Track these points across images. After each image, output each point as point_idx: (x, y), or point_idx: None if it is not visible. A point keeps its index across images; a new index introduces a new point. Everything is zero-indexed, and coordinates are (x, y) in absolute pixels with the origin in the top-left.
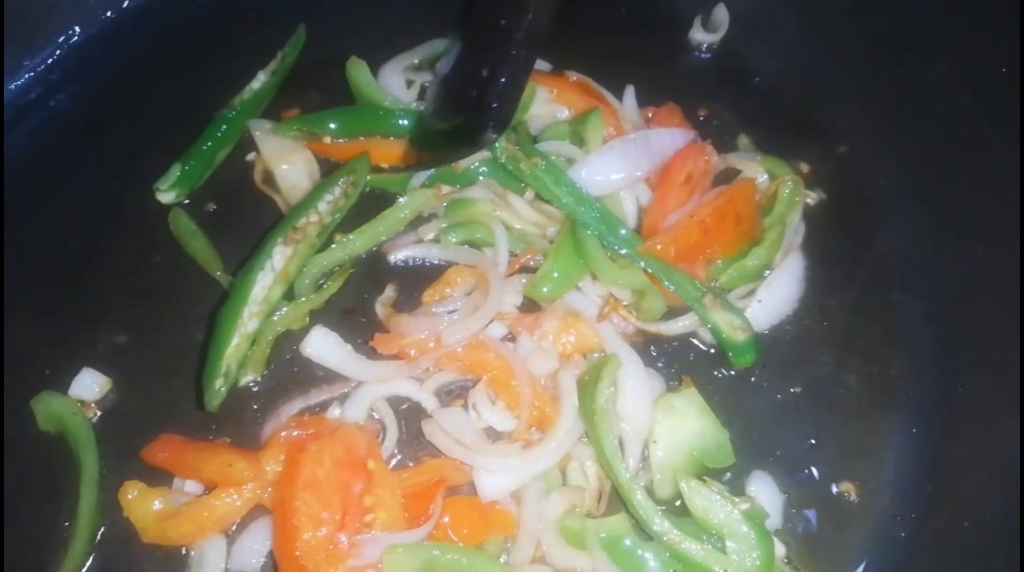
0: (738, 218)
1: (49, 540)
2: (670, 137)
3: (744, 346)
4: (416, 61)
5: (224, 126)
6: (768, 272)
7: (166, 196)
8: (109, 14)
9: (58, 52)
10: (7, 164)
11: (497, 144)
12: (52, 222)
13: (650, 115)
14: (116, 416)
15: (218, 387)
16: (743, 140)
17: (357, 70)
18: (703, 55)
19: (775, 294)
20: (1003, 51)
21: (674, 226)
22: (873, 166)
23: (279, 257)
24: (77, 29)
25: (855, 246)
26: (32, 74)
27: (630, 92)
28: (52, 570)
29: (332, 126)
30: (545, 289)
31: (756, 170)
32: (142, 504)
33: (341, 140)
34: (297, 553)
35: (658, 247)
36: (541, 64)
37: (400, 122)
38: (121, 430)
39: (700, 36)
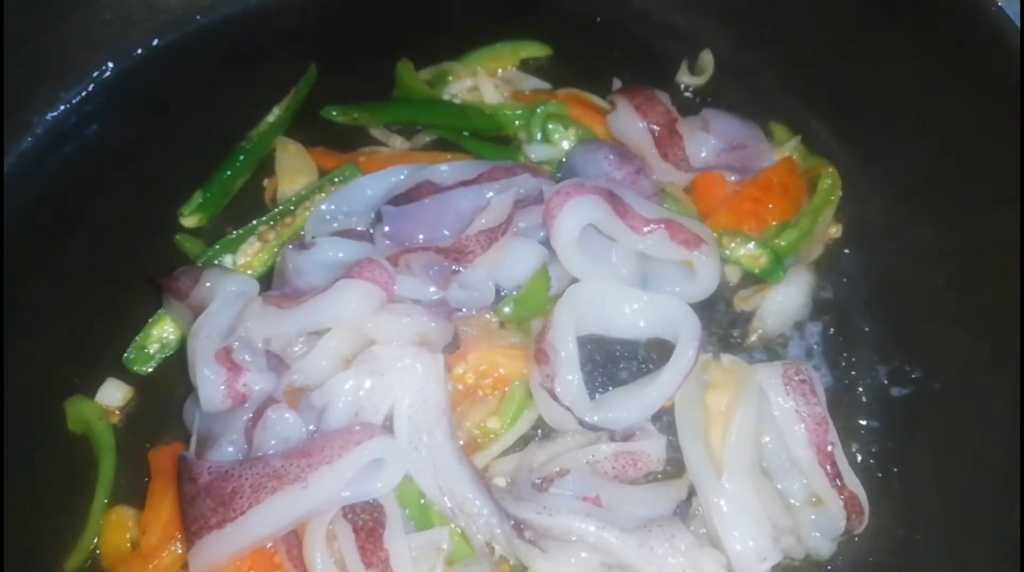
0: (785, 188)
1: (65, 527)
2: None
3: (771, 267)
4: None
5: (242, 156)
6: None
7: (189, 221)
8: (140, 51)
9: (92, 86)
10: (45, 188)
11: None
12: (84, 241)
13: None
14: (135, 421)
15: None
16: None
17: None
18: (689, 95)
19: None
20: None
21: (729, 198)
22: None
23: (243, 254)
24: (110, 65)
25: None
26: (67, 105)
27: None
28: (64, 556)
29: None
30: (507, 309)
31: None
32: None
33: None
34: None
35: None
36: (540, 83)
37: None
38: (138, 434)
39: (687, 79)
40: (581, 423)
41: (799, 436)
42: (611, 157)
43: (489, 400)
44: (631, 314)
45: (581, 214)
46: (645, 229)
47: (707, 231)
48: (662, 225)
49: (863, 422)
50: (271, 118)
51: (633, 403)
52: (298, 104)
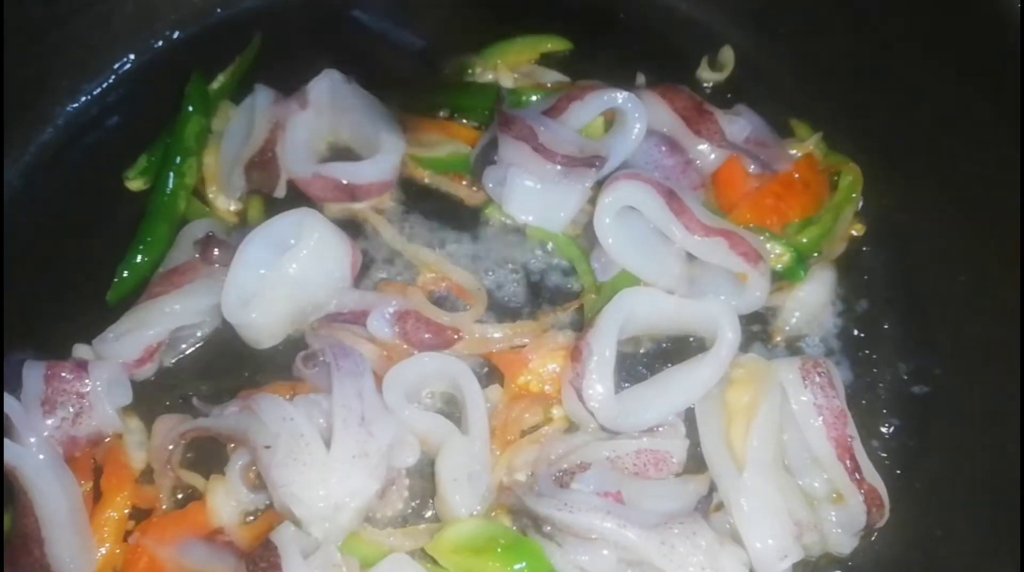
0: (806, 184)
1: None
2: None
3: (793, 266)
4: None
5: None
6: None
7: (134, 184)
8: (160, 44)
9: (113, 78)
10: (67, 177)
11: None
12: (104, 231)
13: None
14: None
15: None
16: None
17: None
18: (710, 91)
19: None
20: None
21: (750, 193)
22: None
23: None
24: (131, 57)
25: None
26: (89, 97)
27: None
28: None
29: None
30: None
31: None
32: None
33: None
34: None
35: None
36: (560, 77)
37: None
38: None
39: (707, 75)
40: (602, 428)
41: (818, 430)
42: (663, 148)
43: (551, 396)
44: (675, 317)
45: (624, 194)
46: (700, 235)
47: (764, 248)
48: (721, 235)
49: (884, 419)
50: (215, 84)
51: (657, 405)
52: (240, 73)
